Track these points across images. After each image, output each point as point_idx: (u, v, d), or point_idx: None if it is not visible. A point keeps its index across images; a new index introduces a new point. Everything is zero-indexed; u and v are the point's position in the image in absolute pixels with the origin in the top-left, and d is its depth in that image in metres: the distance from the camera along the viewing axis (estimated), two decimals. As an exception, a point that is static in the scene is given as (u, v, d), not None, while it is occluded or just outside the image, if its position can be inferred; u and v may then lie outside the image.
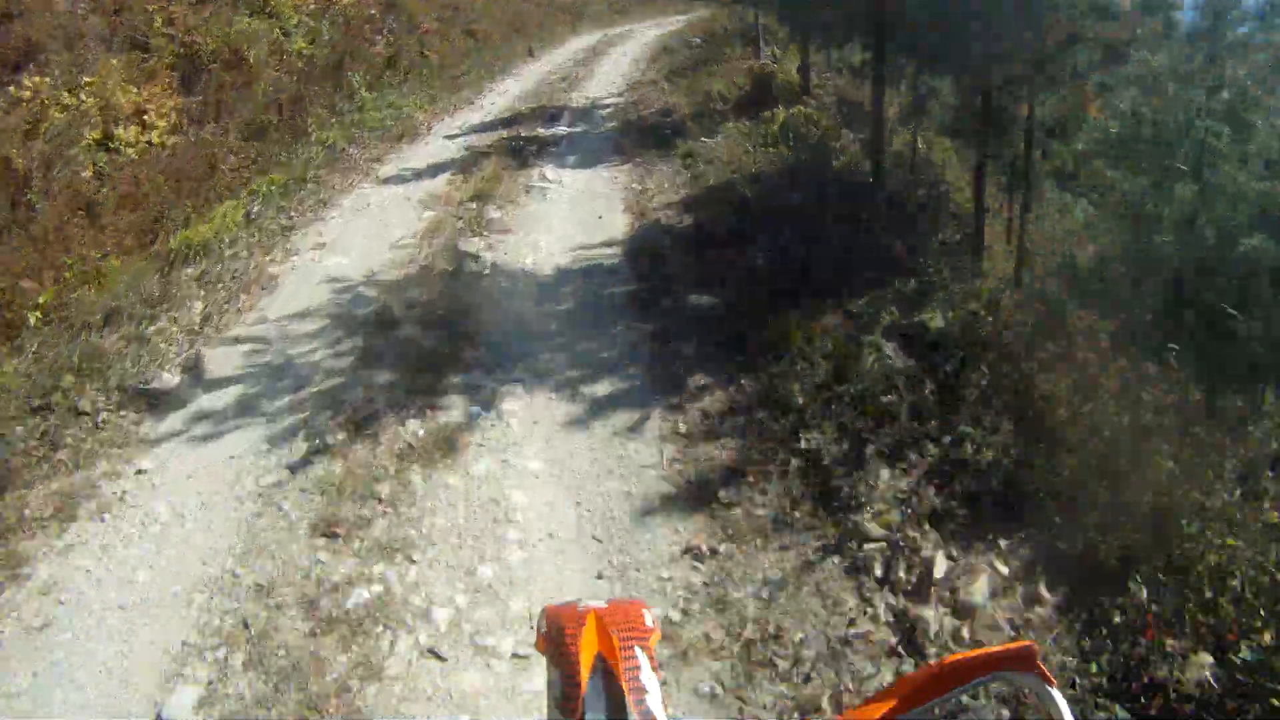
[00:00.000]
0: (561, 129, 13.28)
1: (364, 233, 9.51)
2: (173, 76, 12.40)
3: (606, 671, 1.29)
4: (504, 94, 16.82)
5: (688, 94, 14.35)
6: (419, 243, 8.96)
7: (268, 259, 9.17)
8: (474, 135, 13.29)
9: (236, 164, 11.67)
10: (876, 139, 9.07)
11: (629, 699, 1.25)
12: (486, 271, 8.12)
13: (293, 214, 10.41)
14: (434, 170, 11.50)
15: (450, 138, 13.35)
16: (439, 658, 4.01)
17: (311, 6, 16.50)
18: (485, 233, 9.03)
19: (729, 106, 12.88)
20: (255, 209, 10.40)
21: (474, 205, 9.89)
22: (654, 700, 1.27)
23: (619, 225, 9.15)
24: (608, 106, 14.78)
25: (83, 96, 10.33)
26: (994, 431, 5.30)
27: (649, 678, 1.30)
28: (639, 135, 12.40)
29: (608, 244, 8.68)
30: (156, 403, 6.20)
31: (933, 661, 2.33)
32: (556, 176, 10.77)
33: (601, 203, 9.80)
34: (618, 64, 19.65)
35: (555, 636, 1.35)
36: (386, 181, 11.40)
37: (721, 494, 5.09)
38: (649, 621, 1.41)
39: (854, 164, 9.86)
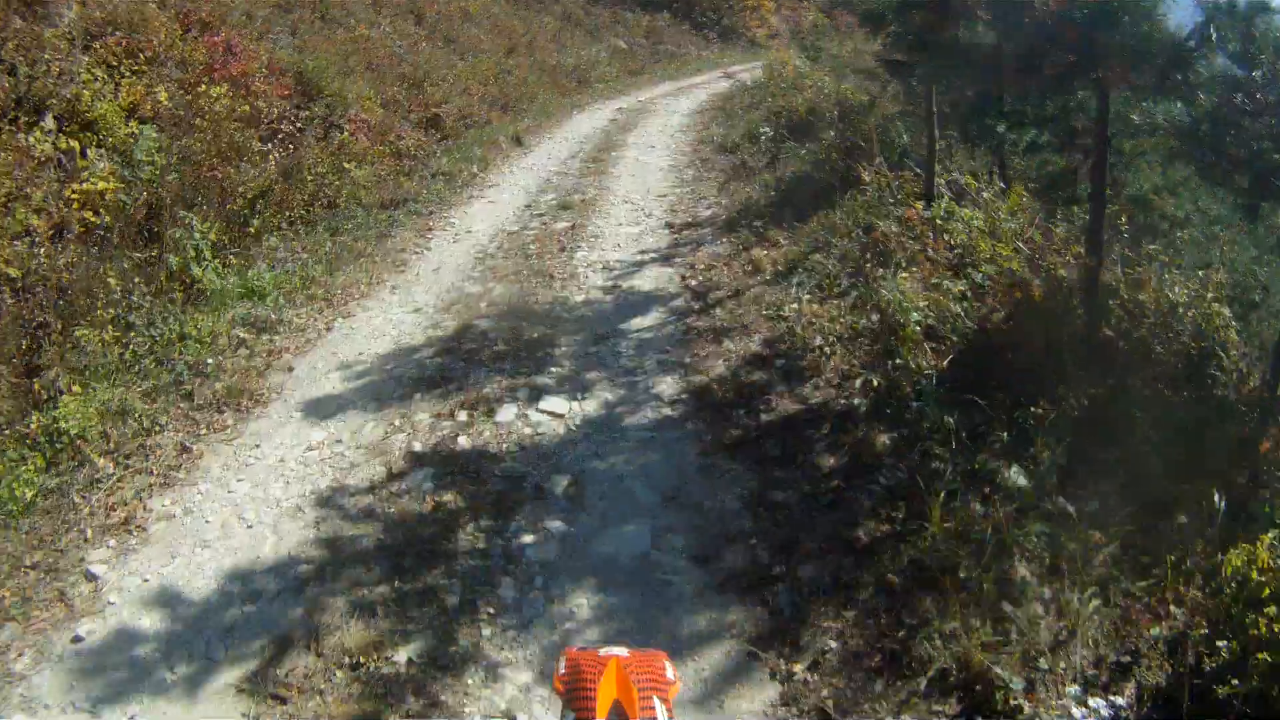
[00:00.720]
0: (550, 407, 5.21)
1: None
2: None
3: None
4: (460, 242, 8.90)
5: (814, 285, 6.30)
6: None
7: None
8: (364, 416, 5.35)
9: None
10: None
11: None
12: None
13: None
14: (215, 625, 3.55)
15: (314, 416, 5.45)
16: None
17: (164, 103, 8.54)
18: None
19: (953, 358, 4.86)
20: None
21: None
22: None
23: None
24: (647, 310, 6.70)
25: None
26: None
27: None
28: (752, 471, 4.37)
29: None
30: None
31: None
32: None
33: None
34: (645, 170, 11.65)
35: (574, 681, 1.24)
36: (88, 673, 3.45)
37: None
38: (670, 674, 1.29)
39: None
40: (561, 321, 6.46)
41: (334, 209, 9.57)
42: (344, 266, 8.10)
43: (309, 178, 9.55)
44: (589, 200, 10.24)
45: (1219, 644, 2.93)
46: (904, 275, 5.78)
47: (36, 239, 6.44)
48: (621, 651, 1.28)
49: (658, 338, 6.08)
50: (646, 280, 7.27)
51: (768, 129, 11.66)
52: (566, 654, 1.31)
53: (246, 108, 9.50)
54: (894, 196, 7.28)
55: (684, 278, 7.17)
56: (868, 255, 6.37)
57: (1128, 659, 3.03)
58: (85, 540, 4.34)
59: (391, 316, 7.02)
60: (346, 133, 10.86)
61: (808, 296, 6.08)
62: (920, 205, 6.97)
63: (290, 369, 6.09)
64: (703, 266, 7.32)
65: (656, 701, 1.20)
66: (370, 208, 9.79)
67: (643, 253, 8.11)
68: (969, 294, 5.51)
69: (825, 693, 2.96)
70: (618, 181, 11.19)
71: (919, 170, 7.66)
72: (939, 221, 6.57)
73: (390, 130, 11.80)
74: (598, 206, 9.99)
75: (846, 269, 6.38)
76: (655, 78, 21.64)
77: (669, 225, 8.92)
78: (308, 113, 10.68)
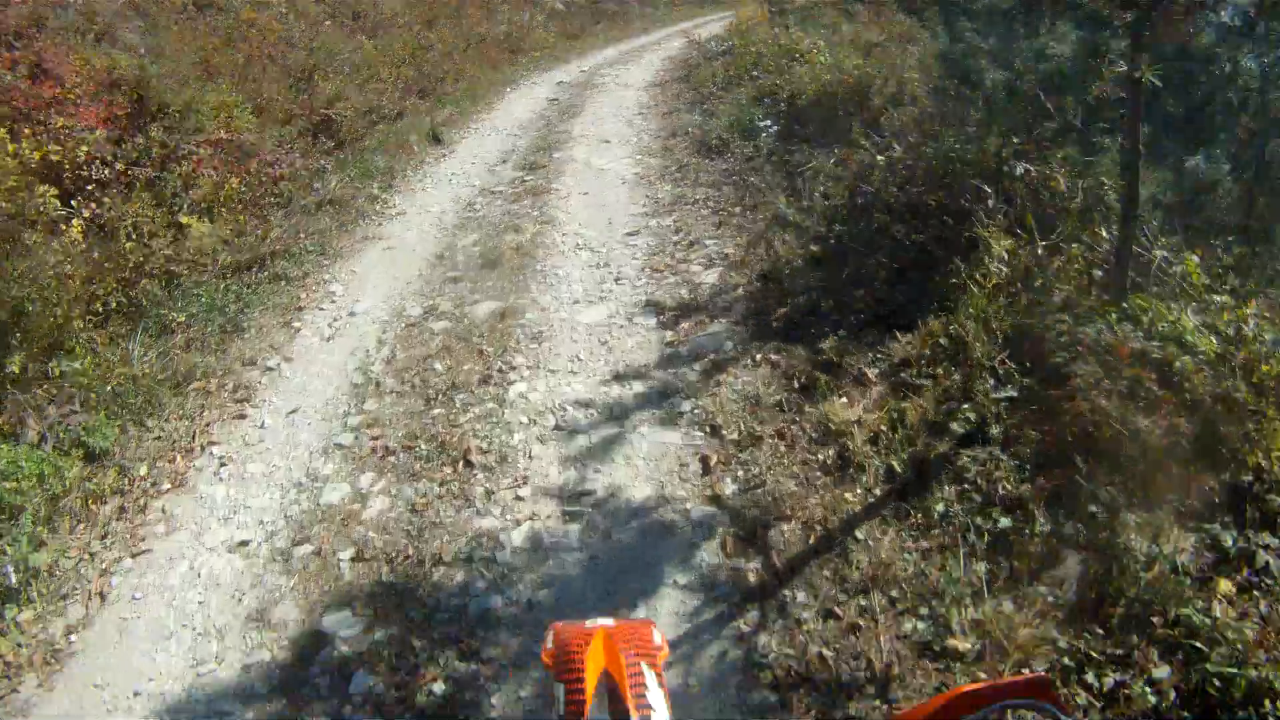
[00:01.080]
0: None
1: None
2: None
3: (612, 689, 1.09)
4: (338, 337, 5.59)
5: (988, 532, 2.98)
6: None
7: None
8: None
9: None
10: None
11: (634, 716, 1.05)
12: None
13: None
14: None
15: None
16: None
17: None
18: None
19: None
20: None
21: None
22: (660, 719, 1.05)
23: None
24: (649, 581, 3.27)
25: None
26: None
27: (656, 696, 1.09)
28: None
29: None
30: None
31: (943, 692, 1.64)
32: None
33: None
34: (602, 183, 8.19)
35: (561, 652, 1.17)
36: None
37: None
38: (658, 640, 1.20)
39: None
40: (489, 629, 3.07)
41: (172, 284, 6.01)
42: (159, 411, 4.67)
43: (128, 246, 5.98)
44: (525, 246, 6.76)
45: None
46: (1173, 533, 2.50)
47: None
48: (608, 622, 1.20)
49: (689, 694, 2.74)
50: (637, 474, 3.85)
51: (767, 120, 8.16)
52: (553, 627, 1.22)
53: (39, 154, 5.89)
54: (1054, 286, 3.95)
55: (706, 466, 3.79)
56: (1063, 448, 3.10)
57: None
58: None
59: (202, 563, 3.66)
60: (190, 165, 7.09)
61: (985, 567, 2.77)
62: (1114, 314, 3.68)
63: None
64: (734, 436, 3.95)
65: (645, 668, 1.12)
66: (223, 274, 6.28)
67: (620, 379, 4.69)
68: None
69: None
70: (565, 205, 7.69)
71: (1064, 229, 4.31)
72: (1178, 362, 3.29)
73: (255, 154, 8.01)
74: (539, 259, 6.52)
75: (1030, 478, 3.09)
76: (597, 41, 17.81)
77: (654, 306, 5.49)
78: (141, 140, 6.89)
